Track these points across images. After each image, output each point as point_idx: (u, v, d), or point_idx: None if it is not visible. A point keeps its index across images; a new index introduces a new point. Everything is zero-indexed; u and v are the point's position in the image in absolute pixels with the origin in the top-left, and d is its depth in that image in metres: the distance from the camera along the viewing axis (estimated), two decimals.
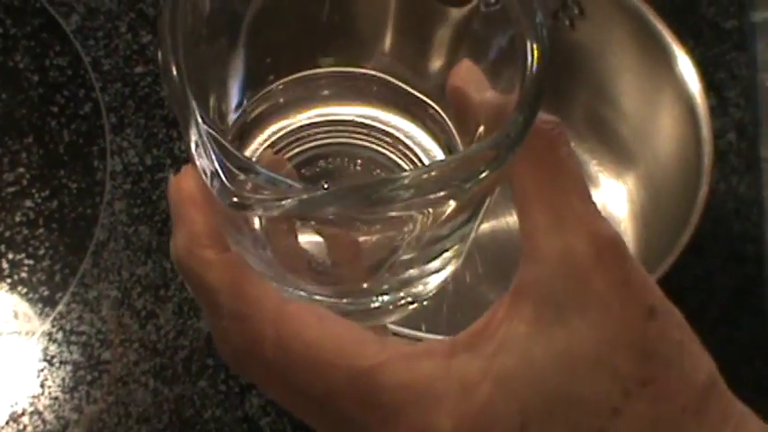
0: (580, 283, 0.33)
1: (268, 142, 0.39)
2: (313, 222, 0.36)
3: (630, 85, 0.70)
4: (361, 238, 0.36)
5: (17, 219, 0.72)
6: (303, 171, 0.39)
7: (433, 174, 0.31)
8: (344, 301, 0.38)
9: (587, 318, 0.32)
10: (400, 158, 0.39)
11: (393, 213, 0.33)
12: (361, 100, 0.40)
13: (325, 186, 0.32)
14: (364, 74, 0.40)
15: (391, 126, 0.40)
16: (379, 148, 0.40)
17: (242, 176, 0.30)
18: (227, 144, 0.31)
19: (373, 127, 0.40)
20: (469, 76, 0.37)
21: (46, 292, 0.69)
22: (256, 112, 0.39)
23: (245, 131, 0.38)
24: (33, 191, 0.73)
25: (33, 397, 0.66)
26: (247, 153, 0.38)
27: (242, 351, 0.35)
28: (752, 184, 0.75)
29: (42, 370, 0.67)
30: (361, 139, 0.40)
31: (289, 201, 0.30)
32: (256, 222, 0.36)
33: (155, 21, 0.80)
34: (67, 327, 0.68)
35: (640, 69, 0.69)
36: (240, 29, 0.37)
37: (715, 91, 0.78)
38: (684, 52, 0.66)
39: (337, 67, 0.40)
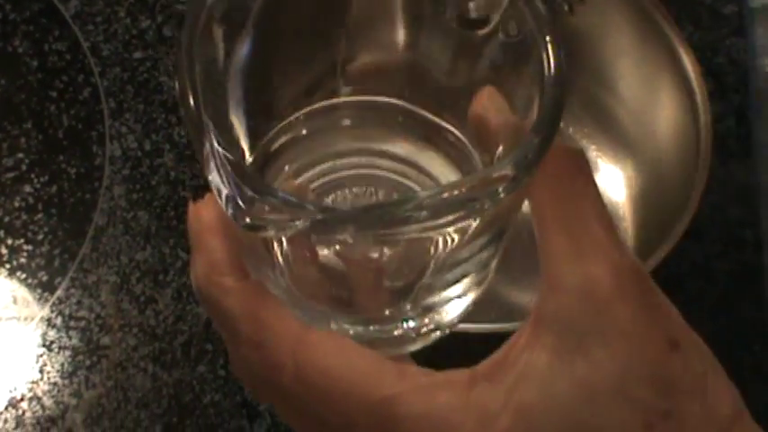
0: (602, 314, 0.32)
1: (291, 171, 0.39)
2: (334, 247, 0.36)
3: (629, 71, 0.70)
4: (382, 263, 0.36)
5: (16, 204, 0.72)
6: (325, 199, 0.39)
7: (448, 194, 0.31)
8: (366, 328, 0.37)
9: (609, 349, 0.32)
10: (422, 188, 0.39)
11: (412, 235, 0.32)
12: (382, 129, 0.40)
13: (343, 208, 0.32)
14: (385, 102, 0.39)
15: (413, 155, 0.39)
16: (401, 179, 0.39)
17: (257, 198, 0.30)
18: (242, 165, 0.31)
19: (395, 156, 0.40)
20: (491, 103, 0.37)
21: (45, 278, 0.69)
22: (279, 142, 0.39)
23: (268, 162, 0.38)
24: (32, 176, 0.73)
25: (32, 382, 0.66)
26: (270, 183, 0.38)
27: (260, 378, 0.35)
28: (750, 170, 0.75)
29: (41, 355, 0.67)
30: (383, 169, 0.40)
31: (302, 221, 0.30)
32: (277, 249, 0.36)
33: (154, 6, 0.80)
34: (66, 312, 0.68)
35: (639, 54, 0.69)
36: (259, 58, 0.37)
37: (713, 76, 0.78)
38: (683, 37, 0.66)
39: (356, 96, 0.39)
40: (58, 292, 0.69)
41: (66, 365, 0.66)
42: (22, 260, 0.70)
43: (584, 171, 0.34)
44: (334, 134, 0.40)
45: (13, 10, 0.79)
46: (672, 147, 0.66)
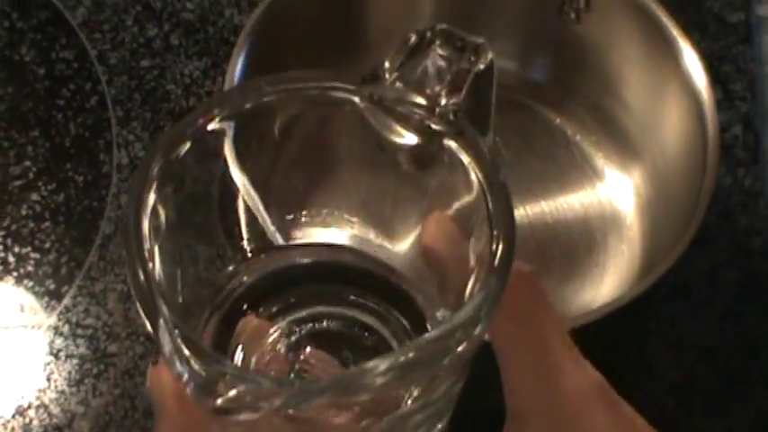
0: (571, 430, 0.33)
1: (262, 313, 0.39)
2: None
3: (636, 79, 0.70)
4: (346, 418, 0.35)
5: (23, 212, 0.72)
6: (296, 329, 0.38)
7: (409, 356, 0.30)
8: None
9: None
10: (384, 324, 0.39)
11: (374, 395, 0.32)
12: (340, 272, 0.40)
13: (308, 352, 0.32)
14: (339, 246, 0.40)
15: (372, 292, 0.39)
16: (362, 316, 0.39)
17: (216, 377, 0.29)
18: (197, 342, 0.30)
19: (356, 293, 0.39)
20: (440, 232, 0.37)
21: (52, 286, 0.69)
22: (249, 281, 0.38)
23: (237, 304, 0.38)
24: (39, 184, 0.73)
25: (39, 390, 0.66)
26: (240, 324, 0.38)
27: None
28: (758, 178, 0.75)
29: (48, 363, 0.67)
30: (346, 304, 0.39)
31: (269, 402, 0.29)
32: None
33: (161, 14, 0.80)
34: (74, 320, 0.68)
35: (646, 62, 0.69)
36: (212, 212, 0.37)
37: (721, 84, 0.78)
38: (690, 45, 0.66)
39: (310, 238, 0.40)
40: (66, 301, 0.69)
41: (73, 373, 0.67)
42: (30, 268, 0.70)
43: (539, 294, 0.34)
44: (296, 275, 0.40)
45: (20, 18, 0.79)
46: (679, 154, 0.66)
